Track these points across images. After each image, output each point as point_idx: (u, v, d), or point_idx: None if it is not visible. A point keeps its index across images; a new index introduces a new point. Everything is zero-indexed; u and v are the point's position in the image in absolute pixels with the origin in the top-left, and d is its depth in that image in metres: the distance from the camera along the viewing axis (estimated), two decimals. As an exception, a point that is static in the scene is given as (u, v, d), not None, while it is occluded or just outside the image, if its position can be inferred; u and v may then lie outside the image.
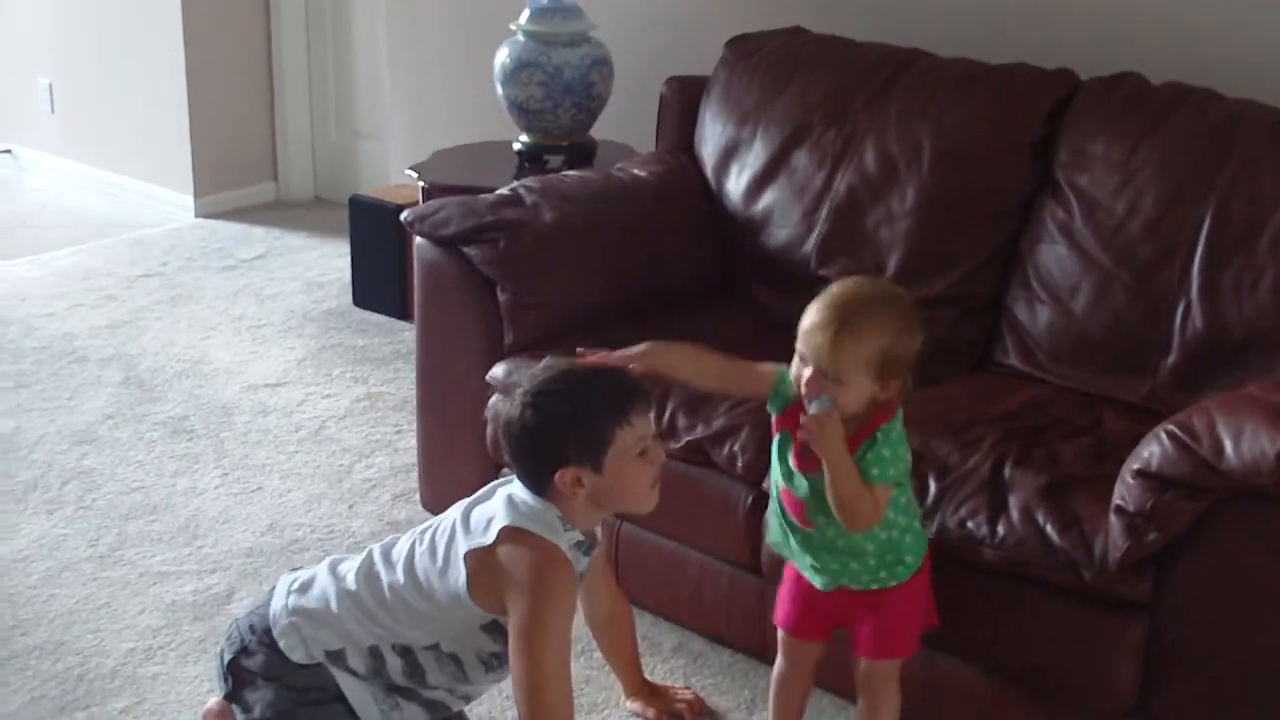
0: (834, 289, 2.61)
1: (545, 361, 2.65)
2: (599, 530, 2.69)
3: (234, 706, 2.68)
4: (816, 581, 2.75)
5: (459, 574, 2.51)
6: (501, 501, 2.56)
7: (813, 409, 2.55)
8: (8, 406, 4.53)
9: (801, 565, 2.78)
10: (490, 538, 2.50)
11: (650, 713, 3.07)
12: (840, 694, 3.02)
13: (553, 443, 2.49)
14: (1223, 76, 3.46)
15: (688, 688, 3.16)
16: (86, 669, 3.23)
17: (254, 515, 3.90)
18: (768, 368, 2.74)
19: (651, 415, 2.58)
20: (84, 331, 5.14)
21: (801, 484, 2.66)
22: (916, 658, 2.81)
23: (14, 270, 5.78)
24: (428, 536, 2.61)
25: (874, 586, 2.70)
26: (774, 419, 2.73)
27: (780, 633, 2.87)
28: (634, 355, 2.67)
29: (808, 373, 2.57)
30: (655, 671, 3.21)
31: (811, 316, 2.57)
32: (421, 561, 2.57)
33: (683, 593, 3.31)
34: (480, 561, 2.51)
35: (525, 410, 2.50)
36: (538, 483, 2.53)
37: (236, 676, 2.66)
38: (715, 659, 3.28)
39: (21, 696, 3.14)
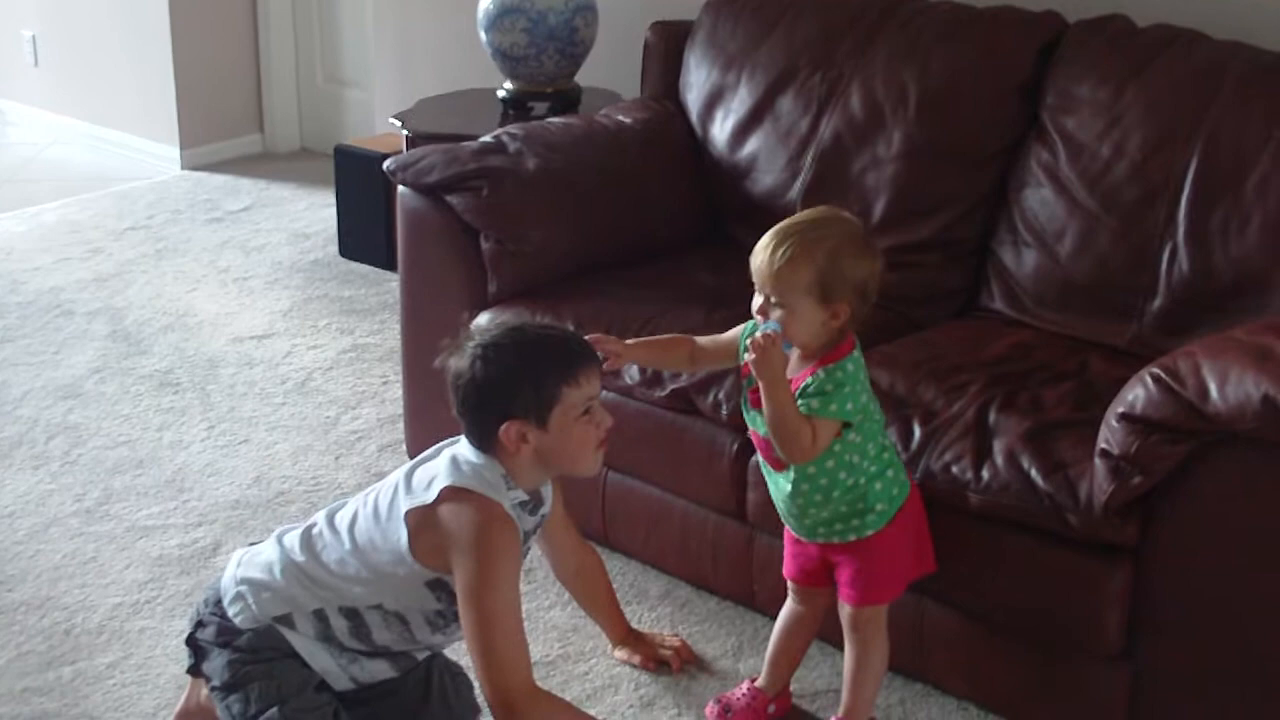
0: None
1: (499, 318, 2.67)
2: (547, 491, 2.69)
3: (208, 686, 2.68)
4: (795, 532, 2.79)
5: (400, 533, 2.52)
6: (445, 461, 2.57)
7: (759, 333, 2.58)
8: (-7, 361, 4.53)
9: (784, 520, 2.80)
10: (431, 496, 2.51)
11: (637, 659, 3.07)
12: (825, 640, 3.01)
13: (500, 395, 2.50)
14: (1210, 18, 3.44)
15: (675, 634, 3.16)
16: (73, 624, 3.23)
17: (240, 468, 3.89)
18: (737, 329, 2.81)
19: (600, 377, 2.59)
20: (70, 285, 5.12)
21: (757, 421, 2.68)
22: (902, 604, 2.81)
23: (-1, 224, 5.77)
24: (371, 499, 2.62)
25: (851, 538, 2.70)
26: (741, 367, 2.76)
27: (789, 581, 2.89)
28: (609, 347, 2.75)
29: (758, 300, 2.62)
30: (642, 619, 3.22)
31: (759, 243, 2.62)
32: (365, 523, 2.58)
33: (669, 540, 3.31)
34: (421, 520, 2.52)
35: (475, 362, 2.51)
36: (483, 437, 2.54)
37: (195, 650, 2.67)
38: (702, 606, 3.28)
39: (8, 652, 3.13)
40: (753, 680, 2.94)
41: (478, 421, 2.54)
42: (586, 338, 2.67)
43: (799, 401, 2.60)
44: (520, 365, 2.50)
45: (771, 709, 2.92)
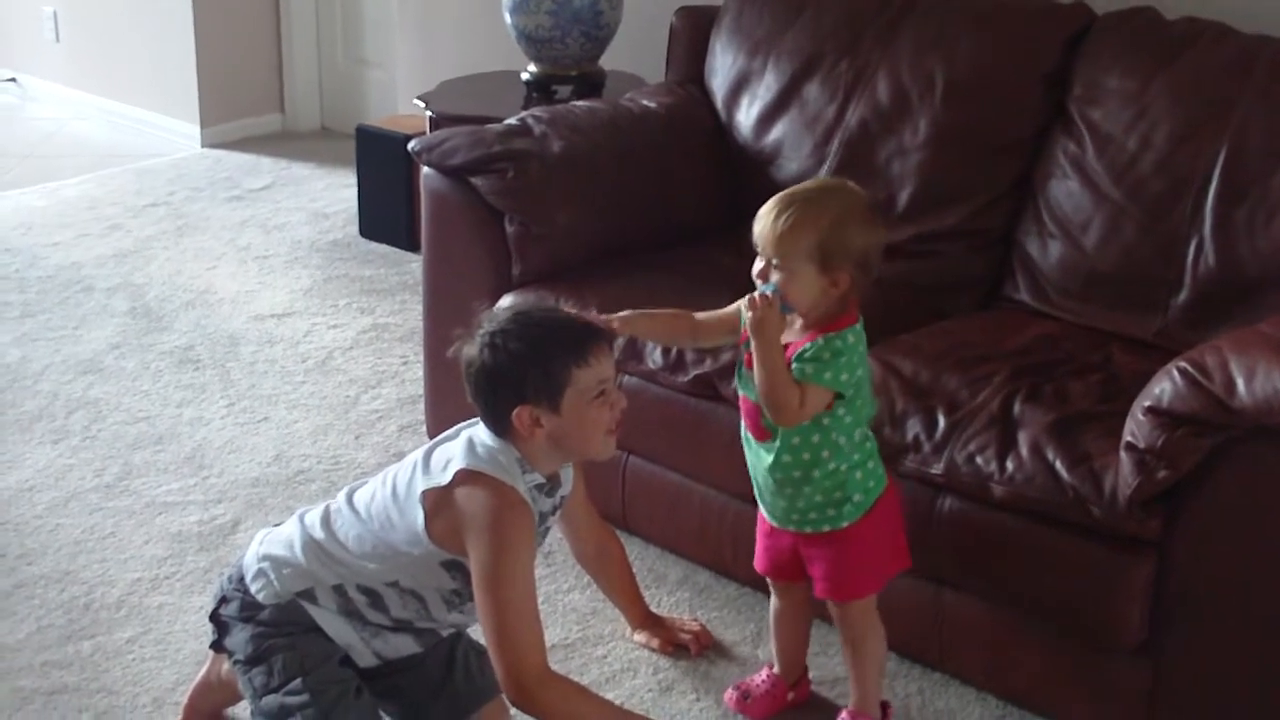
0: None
1: (509, 302, 2.66)
2: (567, 473, 2.69)
3: (231, 660, 2.69)
4: (770, 516, 2.76)
5: (416, 513, 2.53)
6: (462, 444, 2.57)
7: (757, 292, 2.58)
8: (14, 336, 4.53)
9: (760, 500, 2.78)
10: (446, 478, 2.52)
11: (656, 644, 3.08)
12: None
13: (510, 381, 2.50)
14: (1237, 11, 3.42)
15: (694, 619, 3.16)
16: (92, 598, 3.24)
17: (260, 445, 3.90)
18: (737, 303, 2.75)
19: (612, 358, 2.58)
20: (90, 261, 5.13)
21: (749, 385, 2.65)
22: (922, 594, 2.81)
23: (20, 199, 5.76)
24: (390, 478, 2.62)
25: (825, 528, 2.68)
26: (741, 334, 2.73)
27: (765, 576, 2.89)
28: (612, 319, 2.70)
29: (759, 264, 2.61)
30: (661, 604, 3.22)
31: (761, 209, 2.61)
32: (383, 502, 2.59)
33: (689, 526, 3.31)
34: (437, 502, 2.52)
35: (484, 349, 2.51)
36: (497, 423, 2.54)
37: (218, 625, 2.69)
38: (721, 591, 3.28)
39: (28, 625, 3.14)
40: (772, 667, 2.94)
41: (491, 408, 2.55)
42: (576, 314, 2.64)
43: (794, 365, 2.58)
44: (529, 349, 2.50)
45: (791, 696, 2.92)
